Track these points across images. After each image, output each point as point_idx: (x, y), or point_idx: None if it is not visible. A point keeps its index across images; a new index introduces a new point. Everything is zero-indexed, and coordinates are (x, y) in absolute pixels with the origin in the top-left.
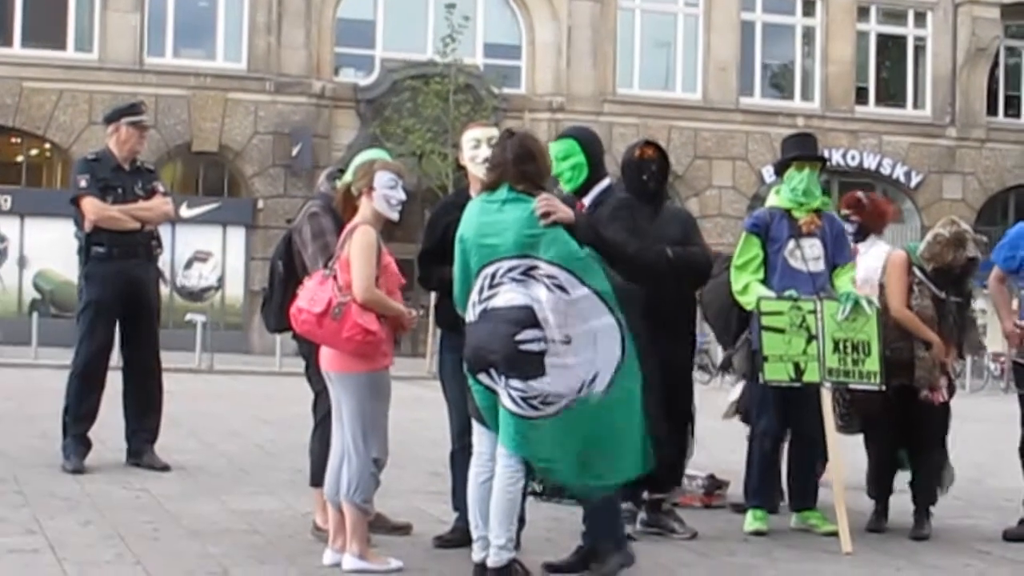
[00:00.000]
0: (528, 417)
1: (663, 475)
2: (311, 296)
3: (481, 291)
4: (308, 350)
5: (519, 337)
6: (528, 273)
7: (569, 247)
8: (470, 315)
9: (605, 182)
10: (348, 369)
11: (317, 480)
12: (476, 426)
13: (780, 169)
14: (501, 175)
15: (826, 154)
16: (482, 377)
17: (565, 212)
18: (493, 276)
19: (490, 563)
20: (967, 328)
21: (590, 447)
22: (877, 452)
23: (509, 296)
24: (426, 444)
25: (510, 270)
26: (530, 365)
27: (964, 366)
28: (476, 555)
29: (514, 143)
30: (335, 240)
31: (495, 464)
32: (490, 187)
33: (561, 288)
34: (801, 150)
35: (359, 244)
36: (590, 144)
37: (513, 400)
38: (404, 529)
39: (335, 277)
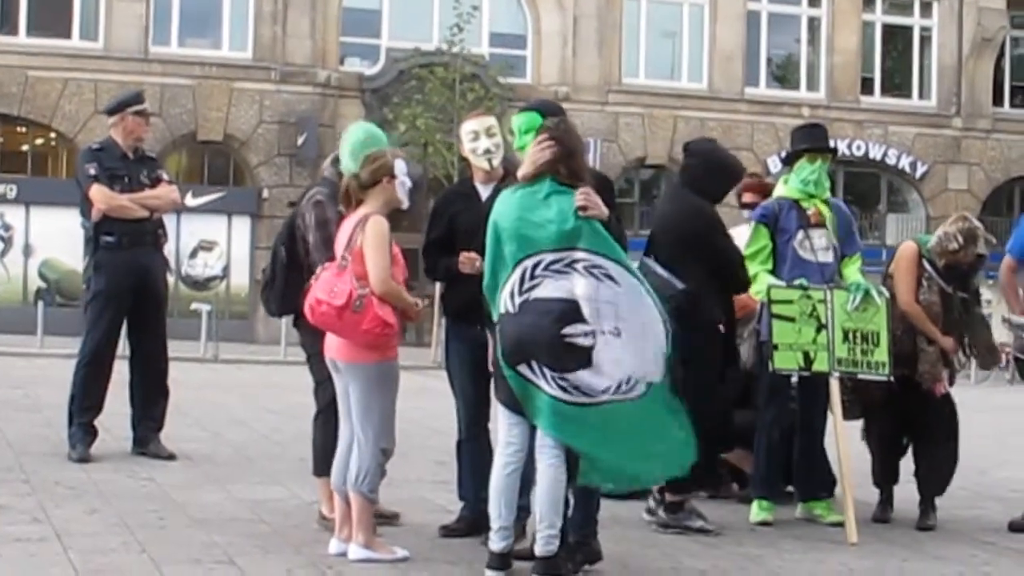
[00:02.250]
0: (571, 403)
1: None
2: (330, 288)
3: (522, 282)
4: (311, 340)
5: (565, 331)
6: (571, 265)
7: (610, 240)
8: (507, 306)
9: None
10: (358, 359)
11: (320, 470)
12: (506, 416)
13: (790, 160)
14: (548, 168)
15: (831, 144)
16: (521, 368)
17: (602, 209)
18: (535, 268)
19: (540, 552)
20: (978, 331)
21: (635, 442)
22: (879, 440)
23: (551, 287)
24: (431, 433)
25: (553, 263)
26: (575, 357)
27: (970, 357)
28: (495, 544)
29: (562, 138)
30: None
31: (523, 455)
32: (532, 179)
33: (610, 278)
34: (813, 142)
35: (374, 235)
36: (554, 116)
37: (559, 387)
38: (393, 518)
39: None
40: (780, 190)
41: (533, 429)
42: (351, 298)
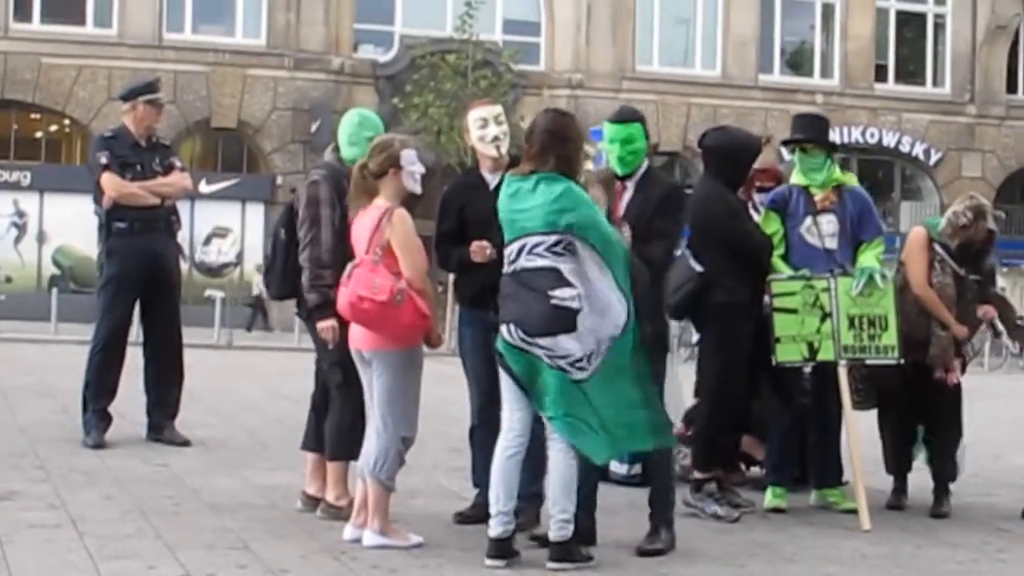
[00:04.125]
0: (563, 370)
1: (716, 455)
2: (370, 284)
3: (510, 257)
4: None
5: (553, 293)
6: (551, 249)
7: (599, 229)
8: (505, 268)
9: (645, 164)
10: (384, 347)
11: (340, 452)
12: (509, 403)
13: (790, 148)
14: (535, 164)
15: (846, 132)
16: (503, 329)
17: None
18: (520, 249)
19: (554, 537)
20: (1003, 308)
21: (609, 415)
22: (893, 428)
23: (537, 262)
24: (446, 420)
25: (536, 246)
26: (563, 321)
27: (983, 343)
28: (493, 530)
29: (543, 128)
30: (328, 211)
31: (524, 441)
32: (523, 174)
33: (575, 253)
34: (797, 132)
35: (403, 230)
36: (646, 128)
37: (548, 357)
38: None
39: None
40: (794, 177)
41: (538, 417)
42: (392, 293)
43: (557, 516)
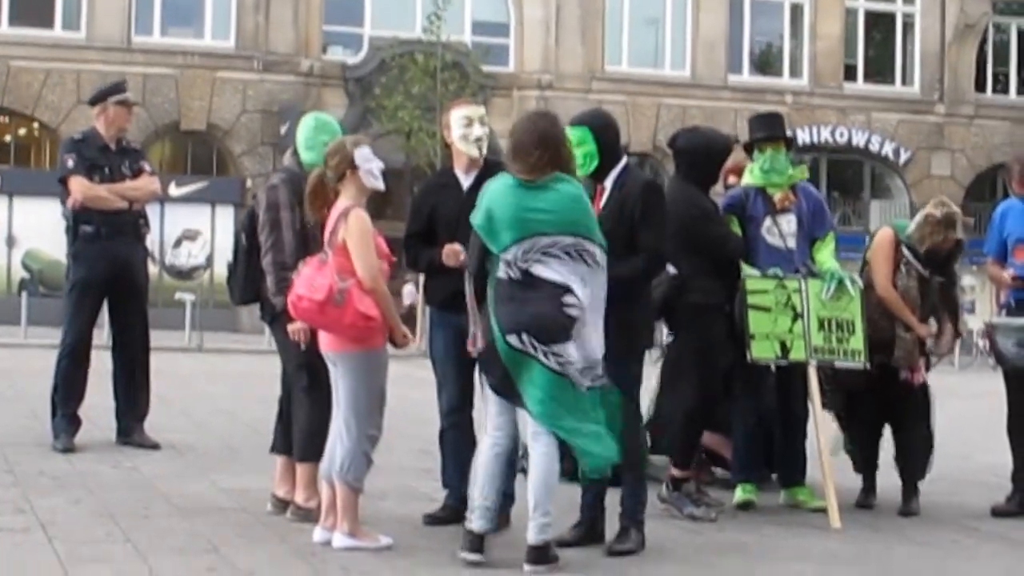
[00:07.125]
0: (562, 375)
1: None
2: (310, 283)
3: (523, 253)
4: (280, 333)
5: (564, 300)
6: (568, 252)
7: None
8: (508, 272)
9: (622, 164)
10: (343, 349)
11: (313, 454)
12: (494, 404)
13: (748, 149)
14: (535, 171)
15: (815, 131)
16: (512, 339)
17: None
18: (531, 248)
19: (533, 540)
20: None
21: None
22: (860, 427)
23: (549, 270)
24: (415, 422)
25: (551, 245)
26: (564, 329)
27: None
28: (475, 524)
29: (536, 131)
30: (288, 215)
31: (509, 441)
32: (525, 175)
33: (597, 263)
34: (761, 131)
35: (358, 231)
36: (603, 131)
37: (556, 361)
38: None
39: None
40: (747, 178)
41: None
42: (331, 292)
43: (538, 519)
